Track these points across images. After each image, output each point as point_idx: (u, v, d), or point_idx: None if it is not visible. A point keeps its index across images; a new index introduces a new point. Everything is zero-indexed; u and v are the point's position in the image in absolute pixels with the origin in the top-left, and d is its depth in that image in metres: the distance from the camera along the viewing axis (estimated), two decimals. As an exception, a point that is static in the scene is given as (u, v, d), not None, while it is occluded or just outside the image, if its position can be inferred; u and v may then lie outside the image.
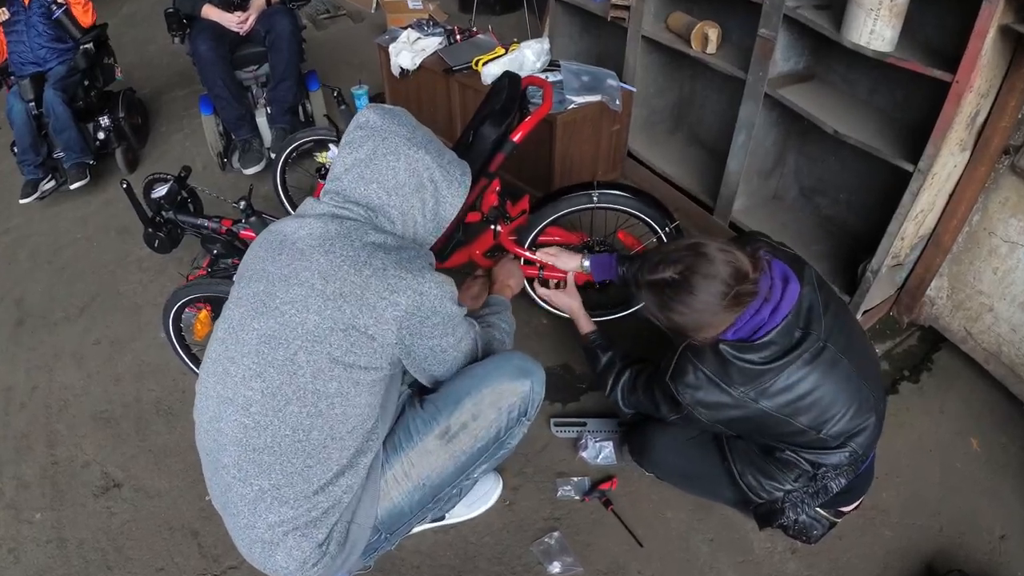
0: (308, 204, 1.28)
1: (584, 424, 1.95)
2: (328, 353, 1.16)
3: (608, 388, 1.60)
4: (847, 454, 1.38)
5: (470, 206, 1.89)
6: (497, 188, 1.93)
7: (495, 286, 1.73)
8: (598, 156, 2.72)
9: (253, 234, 2.00)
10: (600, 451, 1.87)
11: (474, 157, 1.74)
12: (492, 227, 2.00)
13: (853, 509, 1.58)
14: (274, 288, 1.19)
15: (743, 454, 1.49)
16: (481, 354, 1.41)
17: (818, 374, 1.29)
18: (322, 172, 2.31)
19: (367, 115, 1.28)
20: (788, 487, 1.45)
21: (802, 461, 1.42)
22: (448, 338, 1.30)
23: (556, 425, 1.96)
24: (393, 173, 1.24)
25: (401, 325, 1.20)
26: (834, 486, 1.43)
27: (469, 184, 1.35)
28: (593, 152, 2.68)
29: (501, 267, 1.78)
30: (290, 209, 2.66)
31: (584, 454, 1.86)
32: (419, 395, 1.43)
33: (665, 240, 2.06)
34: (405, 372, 1.35)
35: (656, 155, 2.78)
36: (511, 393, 1.37)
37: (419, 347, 1.27)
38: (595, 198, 1.95)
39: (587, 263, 1.79)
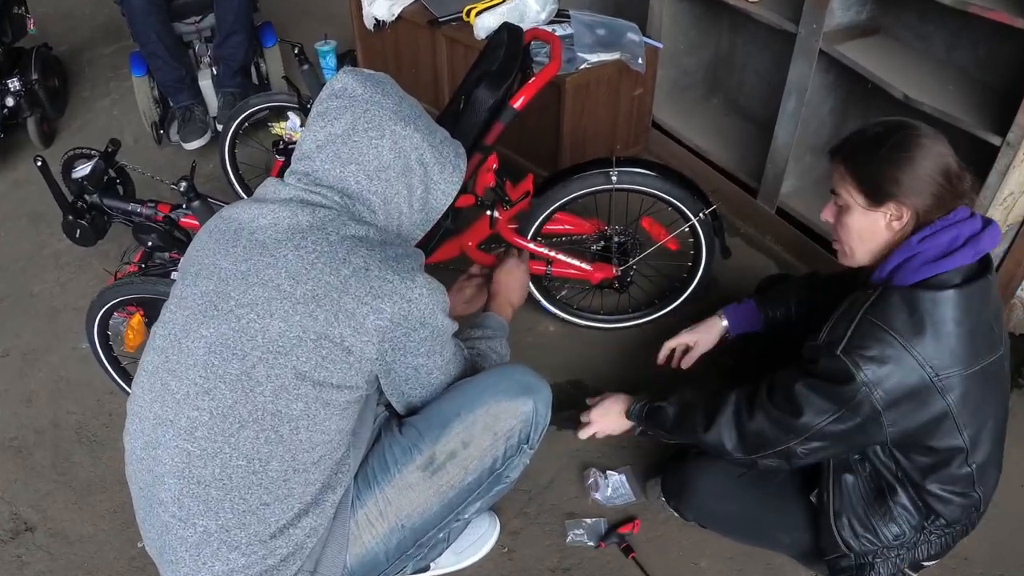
0: (270, 186, 1.28)
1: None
2: (294, 367, 1.17)
3: (704, 428, 1.46)
4: (975, 499, 1.43)
5: (462, 188, 1.88)
6: (494, 166, 1.93)
7: (493, 301, 1.71)
8: (616, 127, 2.71)
9: (197, 222, 2.00)
10: (614, 489, 1.87)
11: (466, 128, 1.76)
12: (488, 213, 2.00)
13: (934, 563, 1.59)
14: (228, 287, 1.19)
15: (850, 494, 1.47)
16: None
17: (992, 375, 1.34)
18: (280, 146, 2.33)
19: (345, 81, 1.28)
20: (885, 542, 1.47)
21: (916, 510, 1.45)
22: (435, 357, 1.31)
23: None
24: (376, 153, 1.24)
25: (384, 337, 1.21)
26: (943, 543, 1.49)
27: (464, 168, 1.35)
28: (611, 122, 2.67)
29: (506, 274, 1.76)
30: (240, 191, 2.67)
31: (597, 496, 1.87)
32: (397, 417, 1.44)
33: (699, 229, 2.06)
34: (381, 391, 1.37)
35: (687, 126, 2.78)
36: (510, 415, 1.37)
37: (401, 365, 1.28)
38: (613, 178, 1.96)
39: (725, 322, 1.79)
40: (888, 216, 1.33)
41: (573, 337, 2.29)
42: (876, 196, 1.33)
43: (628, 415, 1.65)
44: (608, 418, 1.67)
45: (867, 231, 1.36)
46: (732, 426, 1.44)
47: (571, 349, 2.25)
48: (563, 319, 2.30)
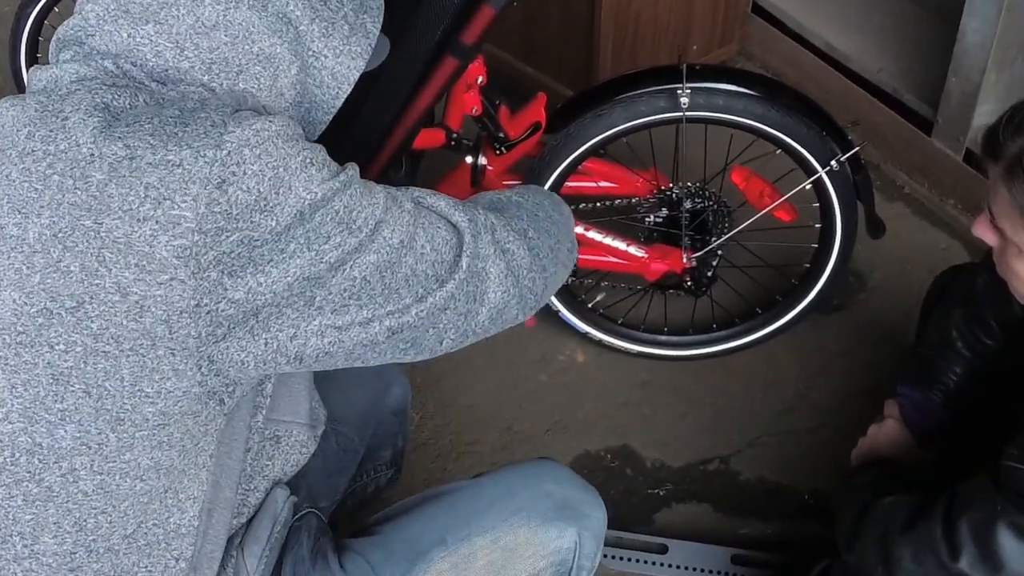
0: (31, 76, 1.29)
1: (663, 550, 2.00)
2: (49, 364, 1.15)
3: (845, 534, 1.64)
4: None
5: (424, 117, 1.91)
6: (480, 80, 1.95)
7: None
8: (691, 13, 2.74)
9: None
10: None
11: (431, 14, 1.80)
12: (469, 160, 2.03)
13: None
14: None
15: None
16: (510, 275, 1.32)
17: None
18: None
19: None
20: None
21: None
22: (356, 240, 1.18)
23: (608, 544, 2.02)
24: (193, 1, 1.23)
25: (200, 263, 1.11)
26: None
27: (376, 30, 1.33)
28: (681, 4, 2.69)
29: None
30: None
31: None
32: (328, 528, 1.46)
33: (830, 188, 2.05)
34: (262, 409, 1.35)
35: (811, 11, 2.82)
36: (535, 552, 1.41)
37: (297, 304, 1.16)
38: (684, 100, 1.95)
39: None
40: None
41: (614, 371, 2.30)
42: None
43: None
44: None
45: None
46: (875, 541, 1.56)
47: (611, 392, 2.27)
48: (598, 341, 2.31)
